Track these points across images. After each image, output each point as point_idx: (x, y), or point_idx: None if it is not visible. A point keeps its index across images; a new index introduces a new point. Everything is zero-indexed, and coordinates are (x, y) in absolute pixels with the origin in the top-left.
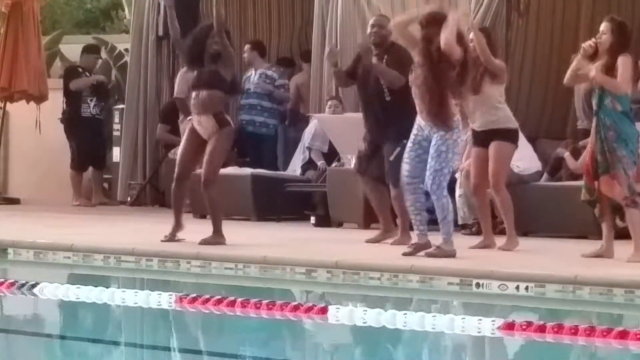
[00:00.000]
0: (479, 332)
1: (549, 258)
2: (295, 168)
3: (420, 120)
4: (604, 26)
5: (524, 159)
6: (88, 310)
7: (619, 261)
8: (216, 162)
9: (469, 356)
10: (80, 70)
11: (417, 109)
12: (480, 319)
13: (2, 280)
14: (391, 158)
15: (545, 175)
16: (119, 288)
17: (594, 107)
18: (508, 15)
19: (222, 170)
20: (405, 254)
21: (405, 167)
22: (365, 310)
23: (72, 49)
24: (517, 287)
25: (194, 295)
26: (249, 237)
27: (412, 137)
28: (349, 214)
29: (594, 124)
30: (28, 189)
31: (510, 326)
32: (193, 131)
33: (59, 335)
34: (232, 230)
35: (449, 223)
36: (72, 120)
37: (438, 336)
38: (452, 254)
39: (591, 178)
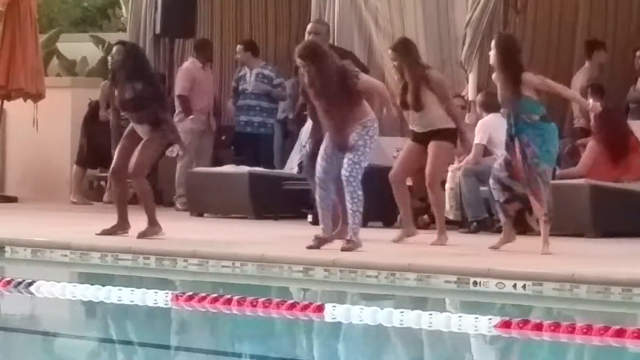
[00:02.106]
0: (475, 330)
1: (546, 256)
2: (292, 166)
3: None
4: (491, 43)
5: None
6: (84, 308)
7: (614, 259)
8: (147, 155)
9: (466, 354)
10: None
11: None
12: (477, 317)
13: None
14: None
15: None
16: (115, 286)
17: (512, 128)
18: (505, 13)
19: (220, 169)
20: (309, 247)
21: (321, 164)
22: (362, 309)
23: (69, 47)
24: (515, 286)
25: (190, 293)
26: (246, 236)
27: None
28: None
29: (517, 145)
30: (25, 187)
31: (507, 324)
32: (132, 130)
33: (55, 333)
34: (230, 228)
35: (360, 215)
36: (90, 119)
37: (435, 334)
38: (359, 244)
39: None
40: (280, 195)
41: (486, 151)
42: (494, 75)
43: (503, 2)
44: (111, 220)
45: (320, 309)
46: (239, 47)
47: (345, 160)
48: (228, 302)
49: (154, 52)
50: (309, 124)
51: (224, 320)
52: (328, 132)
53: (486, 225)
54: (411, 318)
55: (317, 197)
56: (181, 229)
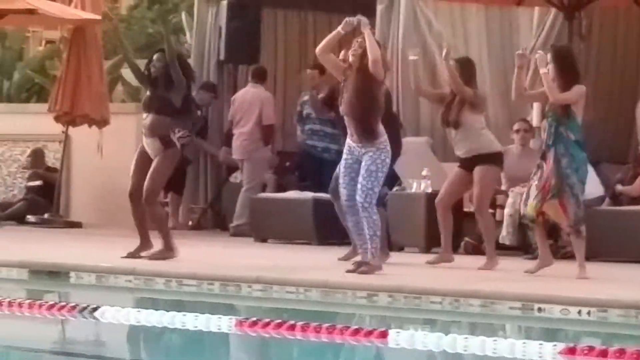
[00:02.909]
0: (540, 357)
1: (611, 283)
2: None
3: (350, 143)
4: (548, 57)
5: (587, 184)
6: (148, 334)
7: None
8: (157, 180)
9: None
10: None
11: (348, 132)
12: (542, 344)
13: (64, 303)
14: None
15: (607, 199)
16: (179, 311)
17: (550, 137)
18: (570, 38)
19: (284, 195)
20: (349, 271)
21: (343, 192)
22: (426, 334)
23: None
24: (579, 312)
25: (254, 319)
26: (310, 261)
27: (343, 161)
28: (409, 237)
29: (551, 154)
30: (90, 213)
31: (571, 351)
32: (143, 151)
33: (119, 359)
34: (293, 254)
35: (378, 239)
36: None
37: None
38: (379, 268)
39: (545, 197)
40: None
41: None
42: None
43: (567, 27)
44: (176, 245)
45: (384, 334)
46: (312, 71)
47: (359, 187)
48: (292, 327)
49: (217, 78)
50: None
51: (288, 346)
52: (352, 127)
53: (551, 250)
54: (475, 344)
55: (349, 224)
56: (245, 255)
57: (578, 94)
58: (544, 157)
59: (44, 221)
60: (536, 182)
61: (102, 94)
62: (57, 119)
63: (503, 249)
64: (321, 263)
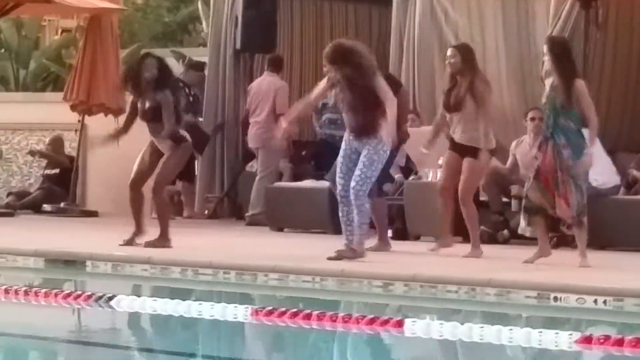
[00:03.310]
0: (556, 346)
1: (627, 272)
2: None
3: (348, 135)
4: (544, 48)
5: (603, 173)
6: (164, 323)
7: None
8: (167, 172)
9: None
10: (181, 85)
11: (346, 124)
12: (558, 333)
13: (80, 292)
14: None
15: (622, 189)
16: (195, 300)
17: (549, 128)
18: (586, 27)
19: (299, 184)
20: (329, 259)
21: (339, 182)
22: (442, 324)
23: None
24: (595, 301)
25: (270, 308)
26: (326, 250)
27: (341, 151)
28: (426, 227)
29: (550, 146)
30: (106, 202)
31: (587, 340)
32: (154, 145)
33: (135, 348)
34: (309, 243)
35: (366, 227)
36: None
37: (515, 350)
38: (362, 255)
39: (551, 189)
40: None
41: None
42: (546, 80)
43: (584, 17)
44: (190, 234)
45: (400, 324)
46: None
47: (357, 173)
48: (308, 316)
49: (234, 67)
50: None
51: (304, 335)
52: (349, 121)
53: (567, 240)
54: (491, 333)
55: (340, 214)
56: (261, 244)
57: (589, 97)
58: (540, 147)
59: (60, 210)
60: (534, 174)
61: (118, 83)
62: (73, 108)
63: (520, 238)
64: None
